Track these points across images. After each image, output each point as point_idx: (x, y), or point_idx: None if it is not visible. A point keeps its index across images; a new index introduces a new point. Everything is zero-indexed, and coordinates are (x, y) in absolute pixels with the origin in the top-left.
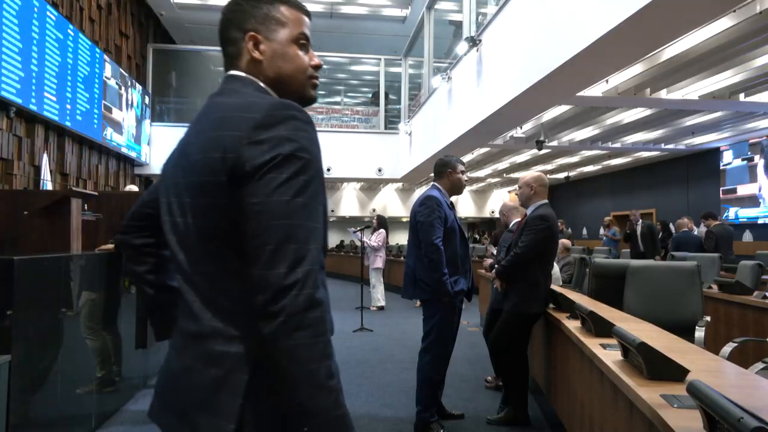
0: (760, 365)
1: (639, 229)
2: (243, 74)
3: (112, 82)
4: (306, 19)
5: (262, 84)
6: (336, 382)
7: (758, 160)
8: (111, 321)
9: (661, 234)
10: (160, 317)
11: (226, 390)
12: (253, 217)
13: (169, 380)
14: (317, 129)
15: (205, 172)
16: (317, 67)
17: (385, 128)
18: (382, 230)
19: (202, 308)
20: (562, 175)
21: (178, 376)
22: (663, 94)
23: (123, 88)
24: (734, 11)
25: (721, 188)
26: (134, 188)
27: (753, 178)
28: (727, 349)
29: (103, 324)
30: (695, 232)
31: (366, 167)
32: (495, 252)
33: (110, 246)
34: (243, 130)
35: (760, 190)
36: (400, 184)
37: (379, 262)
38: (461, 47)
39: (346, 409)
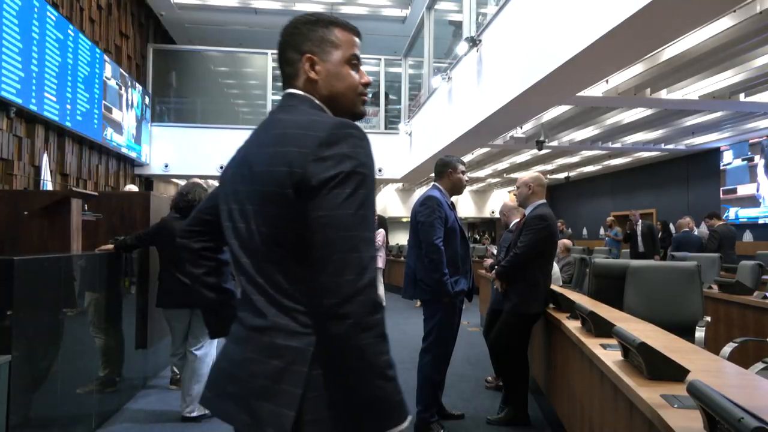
0: (760, 365)
1: (639, 229)
2: (300, 92)
3: (112, 83)
4: (357, 40)
5: (317, 101)
6: (394, 372)
7: (758, 160)
8: (112, 321)
9: (661, 234)
10: (215, 317)
11: (287, 380)
12: (321, 229)
13: (227, 369)
14: None
15: (271, 184)
16: (367, 85)
17: (385, 128)
18: (381, 230)
19: (266, 306)
20: (562, 175)
21: (238, 365)
22: (663, 94)
23: (123, 88)
24: (734, 11)
25: (721, 188)
26: (134, 188)
27: (753, 178)
28: (728, 349)
29: (107, 324)
30: (695, 232)
31: None
32: (495, 252)
33: (110, 246)
34: (308, 147)
35: (758, 190)
36: (400, 184)
37: (379, 262)
38: (461, 47)
39: (403, 393)
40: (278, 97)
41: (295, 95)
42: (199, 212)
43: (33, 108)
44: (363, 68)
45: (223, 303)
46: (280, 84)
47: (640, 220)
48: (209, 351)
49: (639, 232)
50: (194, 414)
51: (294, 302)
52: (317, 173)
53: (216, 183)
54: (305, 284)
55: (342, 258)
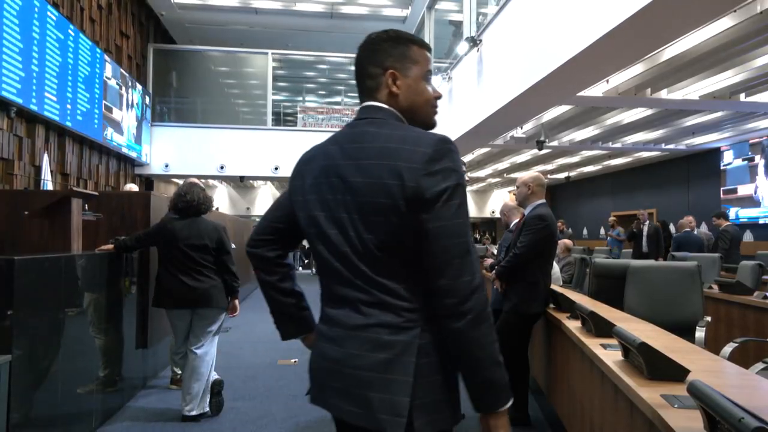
0: (760, 365)
1: (646, 229)
2: (384, 105)
3: (112, 82)
4: (431, 56)
5: (398, 113)
6: (502, 357)
7: (759, 160)
8: (112, 321)
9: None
10: (288, 319)
11: (397, 370)
12: (438, 238)
13: (328, 367)
14: (317, 129)
15: (380, 195)
16: (438, 98)
17: None
18: None
19: (367, 305)
20: (562, 175)
21: (339, 362)
22: (663, 94)
23: (123, 88)
24: (734, 11)
25: (721, 188)
26: (134, 187)
27: (753, 178)
28: (728, 349)
29: (107, 324)
30: (695, 232)
31: None
32: (495, 252)
33: (110, 246)
34: (418, 162)
35: (756, 191)
36: None
37: None
38: (461, 47)
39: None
40: (278, 97)
41: (380, 108)
42: (269, 222)
43: (33, 108)
44: None
45: (294, 305)
46: (280, 84)
47: (648, 221)
48: (210, 350)
49: (645, 233)
50: (194, 413)
51: (398, 300)
52: (430, 187)
53: (216, 183)
54: (407, 283)
55: (459, 262)
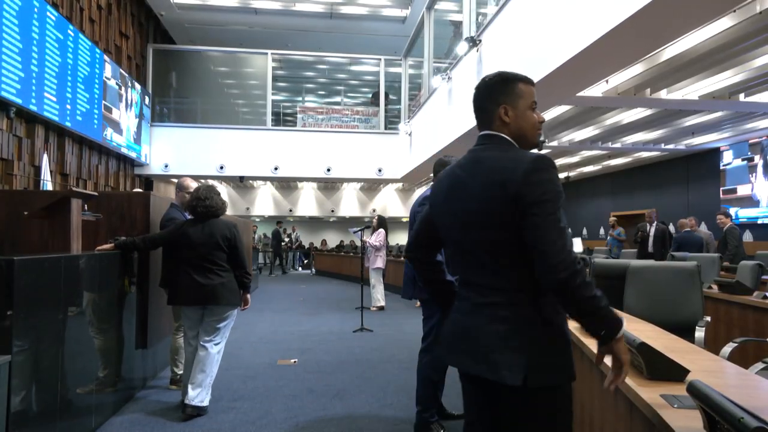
0: (760, 365)
1: (653, 230)
2: (496, 133)
3: (112, 83)
4: (534, 89)
5: (508, 138)
6: (606, 302)
7: (758, 160)
8: (112, 321)
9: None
10: (446, 300)
11: (512, 338)
12: (539, 228)
13: (459, 332)
14: (317, 129)
15: (490, 203)
16: (542, 122)
17: (385, 128)
18: (381, 230)
19: (486, 288)
20: (562, 176)
21: (468, 330)
22: (663, 94)
23: (123, 88)
24: (734, 11)
25: (721, 188)
26: (137, 189)
27: (754, 177)
28: (727, 349)
29: (107, 324)
30: (696, 232)
31: (366, 167)
32: None
33: (109, 246)
34: (519, 175)
35: (752, 190)
36: (400, 184)
37: (379, 262)
38: (461, 47)
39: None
40: (278, 97)
41: (492, 135)
42: (421, 234)
43: (33, 108)
44: (362, 68)
45: (448, 290)
46: (279, 84)
47: (656, 222)
48: (219, 347)
49: (652, 233)
50: (194, 402)
51: (509, 282)
52: (529, 194)
53: (216, 183)
54: (515, 269)
55: (560, 245)
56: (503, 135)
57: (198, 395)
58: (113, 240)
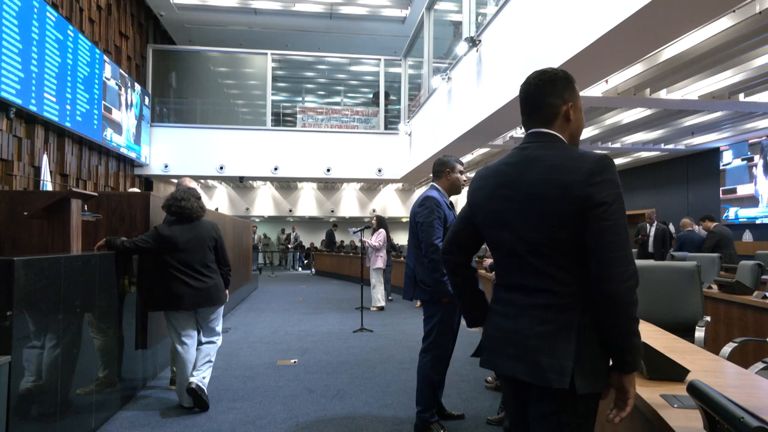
0: (760, 365)
1: (653, 231)
2: (550, 131)
3: (111, 83)
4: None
5: (561, 137)
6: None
7: (758, 160)
8: (112, 321)
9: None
10: (475, 310)
11: (561, 341)
12: (604, 235)
13: (502, 337)
14: (317, 129)
15: (549, 202)
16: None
17: (385, 128)
18: (381, 230)
19: (534, 290)
20: None
21: (514, 333)
22: (663, 94)
23: (123, 88)
24: (734, 11)
25: (721, 188)
26: (136, 191)
27: (753, 178)
28: (727, 349)
29: (107, 324)
30: (696, 231)
31: (366, 167)
32: None
33: (101, 242)
34: (583, 176)
35: (755, 188)
36: (400, 185)
37: (379, 262)
38: (461, 47)
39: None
40: (277, 98)
41: (546, 134)
42: (461, 234)
43: (33, 108)
44: (362, 68)
45: (483, 300)
46: (279, 84)
47: (656, 222)
48: (218, 340)
49: (652, 234)
50: (199, 383)
51: (559, 285)
52: (594, 194)
53: (215, 183)
54: (568, 273)
55: (624, 254)
56: (557, 134)
57: (201, 376)
58: (108, 239)
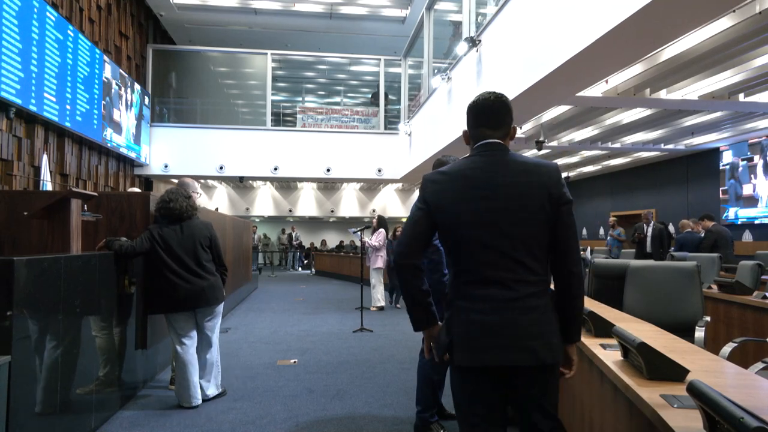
0: (760, 365)
1: (650, 231)
2: (504, 144)
3: (111, 83)
4: None
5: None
6: None
7: (758, 160)
8: (112, 321)
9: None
10: (423, 313)
11: (545, 323)
12: (569, 228)
13: (491, 330)
14: (317, 129)
15: (531, 200)
16: None
17: (385, 128)
18: (381, 230)
19: (515, 282)
20: (563, 175)
21: (500, 325)
22: (663, 94)
23: (123, 88)
24: (734, 11)
25: (720, 188)
26: (136, 191)
27: (753, 178)
28: (727, 349)
29: (107, 324)
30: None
31: (366, 167)
32: None
33: (101, 243)
34: (555, 179)
35: (754, 189)
36: (399, 185)
37: (379, 262)
38: (461, 47)
39: None
40: (277, 98)
41: (503, 145)
42: (414, 237)
43: (33, 108)
44: (362, 68)
45: (430, 302)
46: (279, 84)
47: (653, 222)
48: (217, 339)
49: (649, 234)
50: (215, 394)
51: (534, 275)
52: (564, 195)
53: (215, 183)
54: (539, 262)
55: (576, 243)
56: (506, 145)
57: (211, 387)
58: (107, 240)
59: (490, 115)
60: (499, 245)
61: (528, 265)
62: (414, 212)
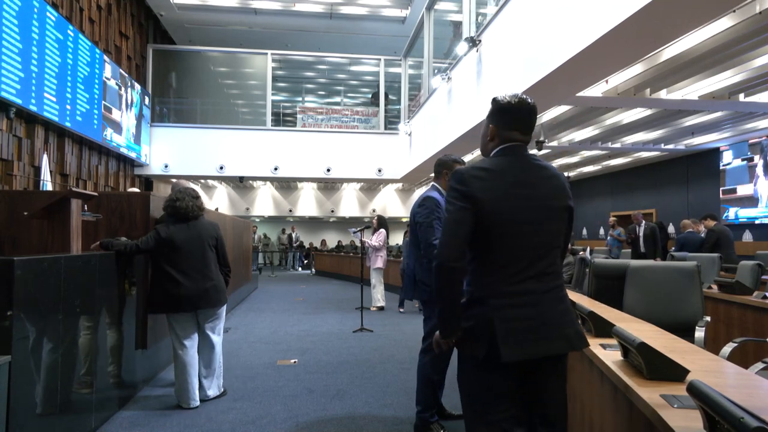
0: (760, 365)
1: (642, 231)
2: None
3: (111, 83)
4: None
5: None
6: None
7: (758, 160)
8: (112, 321)
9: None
10: (456, 319)
11: (571, 312)
12: (571, 229)
13: (534, 324)
14: (317, 129)
15: (562, 200)
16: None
17: (385, 128)
18: (382, 230)
19: (550, 277)
20: None
21: (540, 317)
22: (663, 94)
23: (123, 88)
24: (734, 11)
25: (721, 188)
26: (135, 191)
27: (753, 178)
28: (727, 349)
29: (107, 324)
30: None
31: (366, 167)
32: None
33: (95, 245)
34: (568, 184)
35: (755, 187)
36: (399, 185)
37: (379, 262)
38: (461, 47)
39: None
40: (277, 98)
41: (526, 148)
42: (460, 238)
43: (33, 108)
44: (362, 68)
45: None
46: (279, 84)
47: (643, 222)
48: (219, 340)
49: (641, 234)
50: (216, 395)
51: (557, 269)
52: (572, 200)
53: (215, 183)
54: (559, 257)
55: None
56: None
57: (213, 387)
58: (104, 241)
59: (528, 120)
60: (536, 242)
61: (553, 260)
62: (454, 212)
